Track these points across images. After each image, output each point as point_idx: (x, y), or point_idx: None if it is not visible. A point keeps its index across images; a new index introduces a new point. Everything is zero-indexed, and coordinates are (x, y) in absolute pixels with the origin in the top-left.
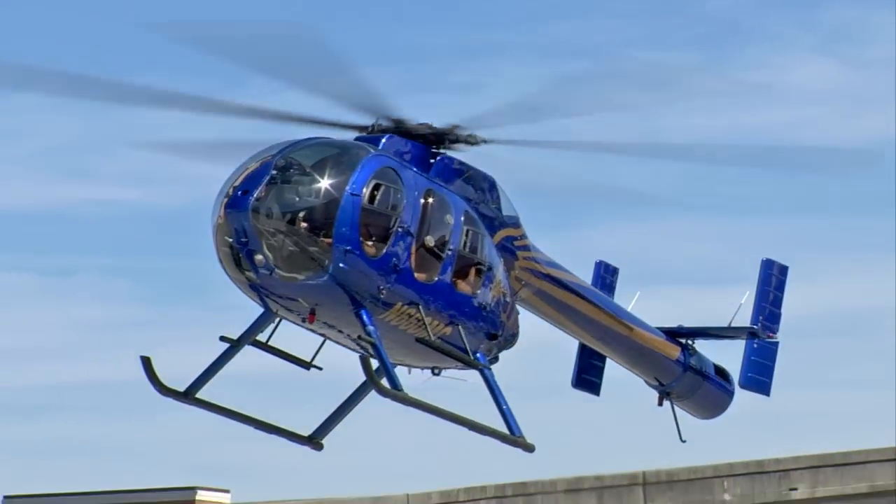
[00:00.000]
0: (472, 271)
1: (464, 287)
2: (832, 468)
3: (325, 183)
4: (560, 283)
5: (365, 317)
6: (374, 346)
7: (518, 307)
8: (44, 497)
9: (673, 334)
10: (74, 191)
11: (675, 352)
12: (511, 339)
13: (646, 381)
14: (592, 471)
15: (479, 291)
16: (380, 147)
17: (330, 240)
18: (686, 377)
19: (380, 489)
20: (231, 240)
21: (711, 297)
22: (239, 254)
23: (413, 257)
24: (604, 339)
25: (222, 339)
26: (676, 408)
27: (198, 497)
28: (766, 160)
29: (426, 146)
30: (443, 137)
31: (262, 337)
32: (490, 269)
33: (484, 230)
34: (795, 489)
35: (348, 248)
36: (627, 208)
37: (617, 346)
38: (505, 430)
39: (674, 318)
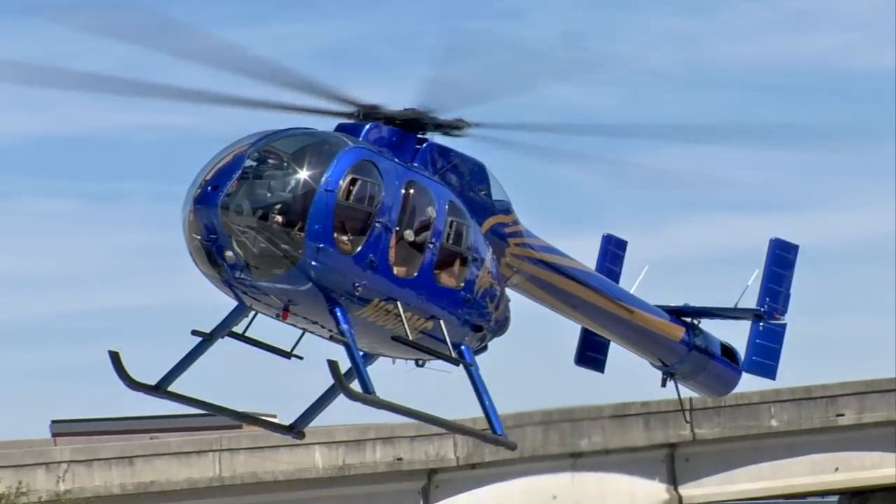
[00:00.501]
0: (457, 263)
1: (447, 280)
2: (878, 394)
3: (298, 178)
4: (554, 268)
5: (339, 315)
6: (346, 346)
7: (512, 293)
8: (91, 421)
9: (677, 314)
10: (127, 116)
11: (678, 332)
12: (501, 327)
13: (650, 363)
14: (638, 397)
15: (463, 284)
16: (360, 136)
17: (302, 237)
18: (691, 357)
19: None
20: (200, 237)
21: (759, 223)
22: (210, 250)
23: (392, 252)
24: (603, 323)
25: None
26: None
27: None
28: (813, 87)
29: (412, 132)
30: (428, 123)
31: (239, 328)
32: (476, 260)
33: (470, 220)
34: (842, 415)
35: (321, 245)
36: (671, 139)
37: (617, 330)
38: (486, 430)
39: (721, 243)
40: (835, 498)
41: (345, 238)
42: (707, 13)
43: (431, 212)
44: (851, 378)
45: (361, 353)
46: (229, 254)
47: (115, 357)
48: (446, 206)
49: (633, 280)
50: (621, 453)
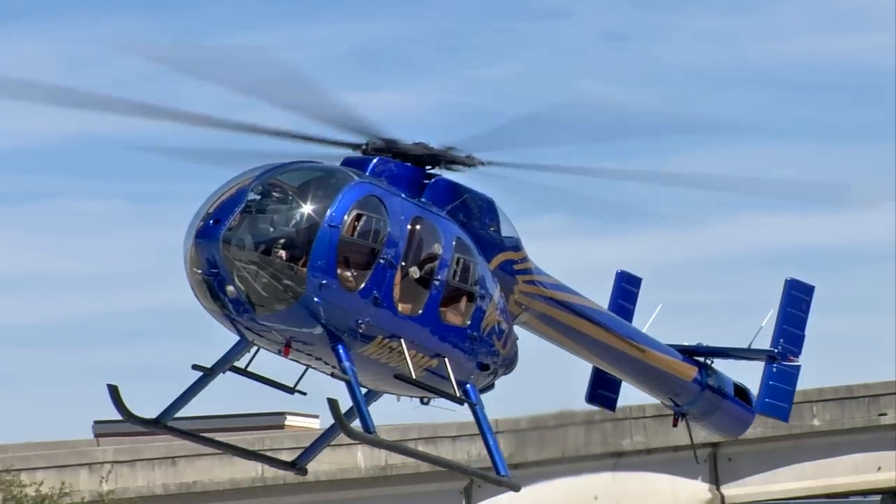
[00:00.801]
0: (464, 300)
1: (453, 317)
2: None
3: (302, 213)
4: (564, 306)
5: (342, 352)
6: (348, 383)
7: (521, 330)
8: None
9: (690, 353)
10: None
11: (691, 372)
12: (509, 365)
13: (662, 402)
14: None
15: (469, 322)
16: (367, 170)
17: (305, 272)
18: (704, 397)
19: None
20: (201, 271)
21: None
22: (211, 284)
23: (397, 288)
24: (614, 362)
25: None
26: (696, 427)
27: (287, 422)
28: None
29: (420, 168)
30: (438, 158)
31: (242, 363)
32: (483, 297)
33: (478, 257)
34: (885, 414)
35: (324, 281)
36: (711, 135)
37: (629, 369)
38: (489, 472)
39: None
40: (877, 497)
41: (348, 274)
42: (745, 13)
43: (438, 248)
44: (894, 377)
45: (364, 391)
46: (230, 288)
47: (113, 391)
48: (453, 243)
49: (647, 318)
50: (663, 453)
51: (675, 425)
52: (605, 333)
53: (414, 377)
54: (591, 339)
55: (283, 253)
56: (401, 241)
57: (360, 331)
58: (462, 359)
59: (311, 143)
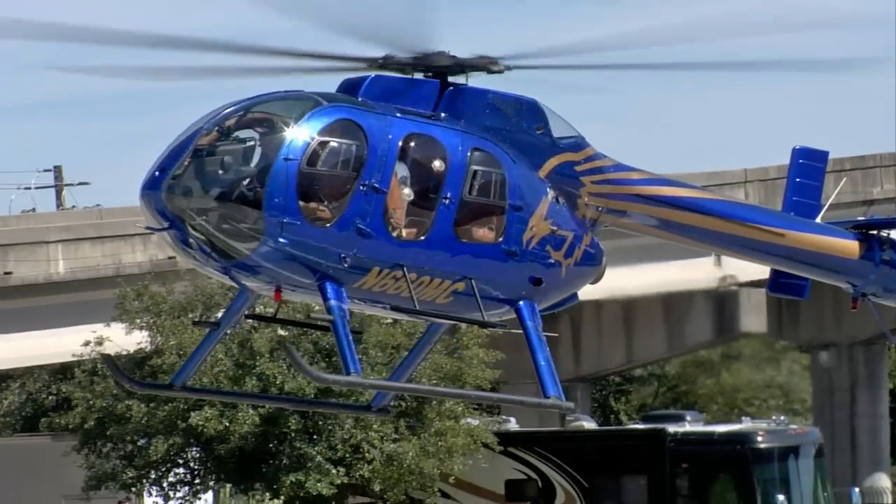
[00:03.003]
0: (493, 214)
1: (480, 234)
2: None
3: (253, 150)
4: (656, 200)
5: (328, 289)
6: (332, 323)
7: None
8: None
9: (863, 228)
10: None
11: (856, 248)
12: (582, 276)
13: (840, 286)
14: None
15: (503, 237)
16: (361, 91)
17: (261, 213)
18: (880, 273)
19: (718, 164)
20: (157, 226)
21: None
22: (172, 237)
23: (395, 213)
24: (745, 251)
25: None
26: (882, 304)
27: None
28: None
29: (439, 80)
30: (461, 67)
31: (264, 310)
32: (519, 208)
33: (509, 166)
34: None
35: (285, 219)
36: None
37: (768, 257)
38: (531, 397)
39: None
40: None
41: (319, 207)
42: None
43: (441, 165)
44: None
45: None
46: (190, 239)
47: (110, 361)
48: (468, 154)
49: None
50: None
51: (853, 307)
52: (718, 222)
53: (416, 308)
54: (702, 231)
55: (236, 195)
56: (387, 164)
57: (347, 265)
58: (500, 277)
59: (319, 58)
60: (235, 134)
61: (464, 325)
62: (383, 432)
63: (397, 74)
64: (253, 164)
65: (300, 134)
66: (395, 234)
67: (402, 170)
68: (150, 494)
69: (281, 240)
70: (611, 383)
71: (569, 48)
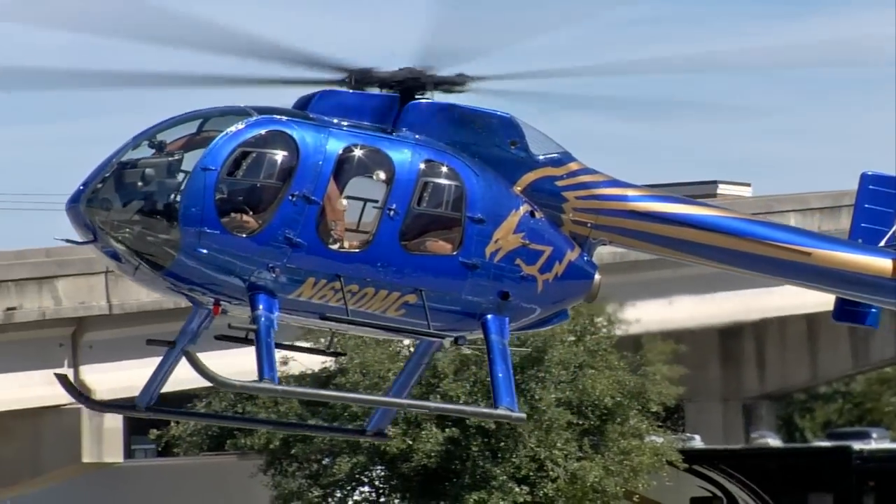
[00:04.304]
0: (447, 227)
1: (433, 246)
2: None
3: (171, 161)
4: (653, 217)
5: (257, 299)
6: (255, 332)
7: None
8: None
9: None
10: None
11: (889, 266)
12: (568, 290)
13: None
14: None
15: (460, 249)
16: (310, 107)
17: (177, 224)
18: None
19: None
20: (80, 239)
21: None
22: (99, 249)
23: (330, 225)
24: (766, 271)
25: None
26: None
27: (719, 191)
28: None
29: (396, 95)
30: (423, 82)
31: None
32: (480, 221)
33: (466, 178)
34: None
35: (204, 229)
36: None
37: (794, 277)
38: (484, 409)
39: None
40: None
41: (242, 217)
42: None
43: (385, 175)
44: None
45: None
46: (116, 252)
47: (64, 380)
48: (418, 167)
49: None
50: None
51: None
52: (730, 240)
53: (348, 318)
54: (715, 249)
55: (152, 206)
56: (322, 174)
57: (277, 275)
58: (457, 289)
59: (285, 84)
60: (159, 148)
61: (645, 342)
62: (567, 450)
63: (349, 90)
64: (172, 176)
65: (222, 144)
66: (332, 244)
67: (340, 181)
68: None
69: (200, 249)
70: (795, 401)
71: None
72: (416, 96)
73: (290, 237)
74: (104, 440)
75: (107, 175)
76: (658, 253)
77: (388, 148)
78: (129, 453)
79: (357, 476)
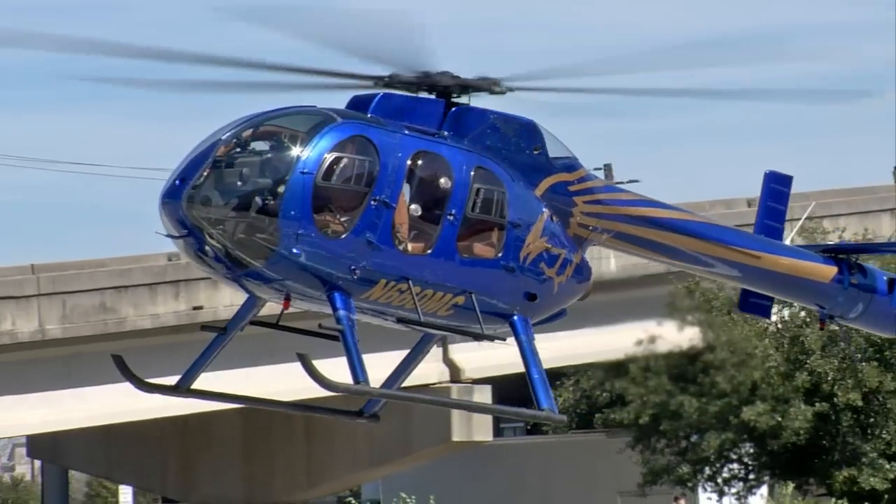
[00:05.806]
0: (493, 231)
1: (480, 250)
2: None
3: (271, 163)
4: (643, 221)
5: (336, 300)
6: (341, 332)
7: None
8: None
9: (832, 252)
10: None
11: (829, 272)
12: (571, 291)
13: (809, 307)
14: None
15: (501, 252)
16: (371, 108)
17: (277, 224)
18: (848, 297)
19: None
20: (175, 234)
21: None
22: (189, 245)
23: (401, 228)
24: (725, 272)
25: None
26: (849, 327)
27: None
28: None
29: (441, 99)
30: (465, 87)
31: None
32: (518, 226)
33: (509, 184)
34: None
35: (300, 231)
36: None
37: (745, 278)
38: (526, 409)
39: None
40: None
41: (332, 220)
42: None
43: (447, 181)
44: None
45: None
46: (206, 248)
47: (119, 361)
48: (471, 173)
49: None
50: None
51: (821, 328)
52: (699, 243)
53: (421, 320)
54: (684, 253)
55: (252, 206)
56: (397, 180)
57: (357, 276)
58: (498, 291)
59: (329, 77)
60: (253, 147)
61: None
62: None
63: (403, 93)
64: (270, 177)
65: (316, 149)
66: (401, 247)
67: (410, 186)
68: (705, 490)
69: (295, 251)
70: None
71: (571, 70)
72: (452, 99)
73: (371, 240)
74: (473, 419)
75: (205, 172)
76: (643, 255)
77: (447, 154)
78: (498, 431)
79: (725, 453)
